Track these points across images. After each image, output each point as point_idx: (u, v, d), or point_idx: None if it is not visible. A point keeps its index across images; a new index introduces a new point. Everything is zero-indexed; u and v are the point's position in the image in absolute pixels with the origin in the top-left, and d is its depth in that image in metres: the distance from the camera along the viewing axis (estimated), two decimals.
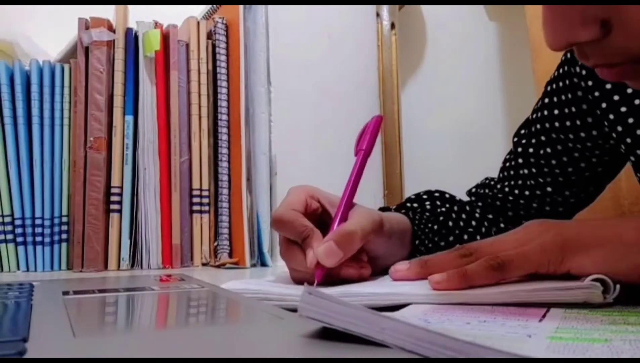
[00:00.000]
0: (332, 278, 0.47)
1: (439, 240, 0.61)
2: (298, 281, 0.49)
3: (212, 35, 0.97)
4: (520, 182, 0.64)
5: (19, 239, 0.86)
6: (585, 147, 0.58)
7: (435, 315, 0.33)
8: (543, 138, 0.61)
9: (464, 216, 0.64)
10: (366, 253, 0.51)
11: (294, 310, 0.27)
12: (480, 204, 0.67)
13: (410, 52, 1.49)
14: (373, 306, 0.36)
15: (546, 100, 0.61)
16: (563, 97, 0.59)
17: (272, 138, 0.96)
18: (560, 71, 0.59)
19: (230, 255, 0.92)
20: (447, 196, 0.67)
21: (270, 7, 0.97)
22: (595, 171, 0.60)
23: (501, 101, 1.55)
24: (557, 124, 0.59)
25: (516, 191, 0.64)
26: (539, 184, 0.62)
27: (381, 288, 0.41)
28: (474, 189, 0.69)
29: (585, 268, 0.38)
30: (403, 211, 0.63)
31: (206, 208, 0.93)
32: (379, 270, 0.52)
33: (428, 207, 0.64)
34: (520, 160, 0.64)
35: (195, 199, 0.92)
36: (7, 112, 0.86)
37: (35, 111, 0.88)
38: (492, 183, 0.68)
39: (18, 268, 0.86)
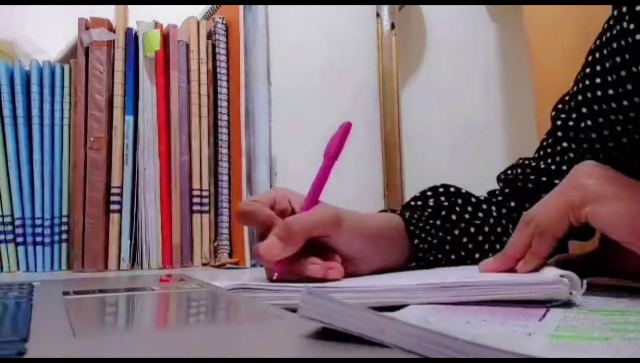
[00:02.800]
0: (296, 275, 0.47)
1: (444, 234, 0.59)
2: (269, 275, 0.49)
3: (212, 35, 0.97)
4: (558, 158, 0.61)
5: (19, 239, 0.86)
6: (627, 119, 0.55)
7: (435, 314, 0.33)
8: (584, 110, 0.58)
9: (469, 208, 0.62)
10: (340, 254, 0.50)
11: (294, 310, 0.27)
12: (506, 191, 0.64)
13: (410, 52, 1.48)
14: (373, 306, 0.36)
15: (587, 70, 0.58)
16: (607, 64, 0.55)
17: (272, 138, 0.95)
18: (603, 38, 0.56)
19: (230, 255, 0.92)
20: (451, 189, 0.64)
21: (270, 7, 0.97)
22: (637, 147, 0.56)
23: (501, 101, 1.55)
24: (599, 93, 0.56)
25: (553, 167, 0.61)
26: (578, 159, 0.57)
27: (371, 282, 0.41)
28: (507, 172, 0.66)
29: (596, 216, 0.40)
30: (405, 211, 0.62)
31: (206, 208, 0.93)
32: (365, 272, 0.52)
33: (431, 204, 0.62)
34: (559, 133, 0.61)
35: (195, 199, 0.92)
36: (7, 112, 0.86)
37: (35, 111, 0.88)
38: (527, 162, 0.64)
39: (18, 268, 0.86)
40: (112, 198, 0.87)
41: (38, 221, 0.87)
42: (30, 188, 0.87)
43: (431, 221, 0.60)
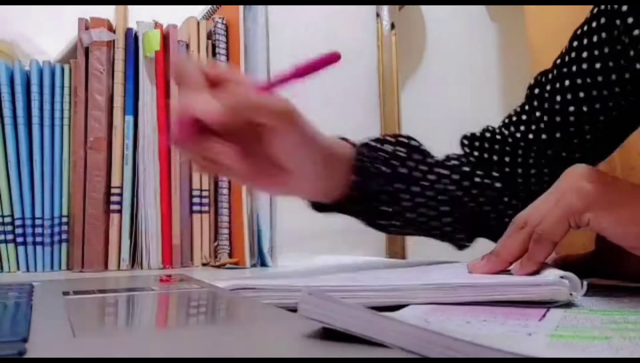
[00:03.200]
0: (193, 148, 0.42)
1: (385, 183, 0.56)
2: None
3: (212, 35, 0.97)
4: (524, 127, 0.60)
5: (19, 239, 0.86)
6: (611, 94, 0.54)
7: (435, 314, 0.33)
8: (567, 83, 0.57)
9: (423, 167, 0.59)
10: (275, 158, 0.45)
11: (294, 310, 0.27)
12: (471, 159, 0.62)
13: (410, 52, 1.49)
14: (373, 306, 0.37)
15: (575, 43, 0.57)
16: (595, 38, 0.55)
17: None
18: (594, 11, 0.56)
19: (230, 255, 0.92)
20: (413, 143, 0.61)
21: (270, 7, 0.97)
22: (610, 127, 0.56)
23: (501, 101, 1.55)
24: (584, 66, 0.56)
25: (518, 135, 0.60)
26: (547, 130, 0.58)
27: (371, 282, 0.41)
28: (472, 137, 0.64)
29: (601, 223, 0.40)
30: (362, 148, 0.58)
31: (206, 208, 0.93)
32: (291, 193, 0.46)
33: (388, 150, 0.59)
34: (535, 103, 0.60)
35: (195, 200, 0.92)
36: (7, 112, 0.86)
37: (35, 111, 0.88)
38: (492, 129, 0.63)
39: (18, 269, 0.86)
40: (112, 198, 0.87)
41: (38, 221, 0.87)
42: (30, 188, 0.87)
43: (378, 166, 0.56)
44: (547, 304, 0.36)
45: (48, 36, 1.07)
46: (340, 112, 1.02)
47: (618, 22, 0.53)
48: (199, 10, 1.06)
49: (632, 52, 0.52)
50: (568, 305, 0.36)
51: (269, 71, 0.97)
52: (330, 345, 0.24)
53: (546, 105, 0.59)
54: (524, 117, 0.60)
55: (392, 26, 1.35)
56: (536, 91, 0.60)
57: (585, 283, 0.36)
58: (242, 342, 0.26)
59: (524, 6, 1.23)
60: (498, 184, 0.61)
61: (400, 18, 1.39)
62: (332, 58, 0.46)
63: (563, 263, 0.48)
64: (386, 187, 0.57)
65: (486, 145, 0.62)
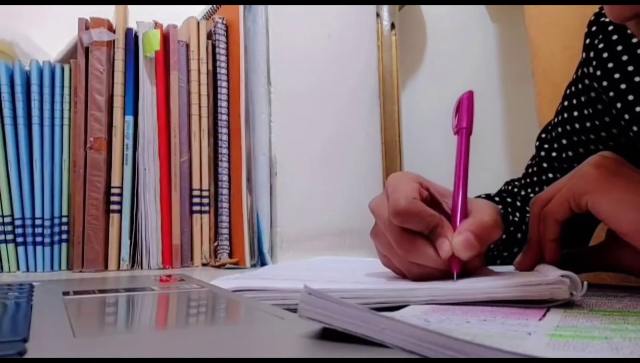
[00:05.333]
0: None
1: (503, 249, 0.60)
2: (419, 277, 0.44)
3: (212, 36, 0.97)
4: (545, 187, 0.63)
5: (19, 239, 0.86)
6: (606, 147, 0.58)
7: (435, 314, 0.33)
8: (564, 141, 0.61)
9: (524, 227, 0.63)
10: None
11: (294, 310, 0.27)
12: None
13: (410, 52, 1.49)
14: (373, 306, 0.36)
15: (566, 103, 0.61)
16: (582, 98, 0.59)
17: (272, 138, 0.95)
18: (579, 73, 0.59)
19: (230, 255, 0.92)
20: (518, 204, 0.65)
21: (270, 7, 0.97)
22: None
23: (501, 102, 1.55)
24: (577, 125, 0.59)
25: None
26: None
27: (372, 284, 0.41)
28: (500, 195, 0.67)
29: (598, 207, 0.40)
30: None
31: (206, 208, 0.93)
32: None
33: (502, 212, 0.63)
34: (544, 164, 0.64)
35: (195, 199, 0.92)
36: (7, 112, 0.86)
37: (35, 111, 0.88)
38: (516, 189, 0.66)
39: (18, 269, 0.86)
40: (112, 198, 0.87)
41: (38, 221, 0.87)
42: (30, 188, 0.87)
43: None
44: (547, 303, 0.36)
45: (48, 36, 1.07)
46: (340, 112, 1.02)
47: (596, 85, 0.56)
48: (199, 10, 1.06)
49: (614, 112, 0.55)
50: (568, 304, 0.36)
51: (269, 71, 0.97)
52: (330, 345, 0.24)
53: (556, 164, 0.62)
54: (540, 178, 0.64)
55: (392, 26, 1.35)
56: (542, 153, 0.64)
57: (585, 282, 0.36)
58: (242, 341, 0.26)
59: (524, 6, 1.23)
60: None
61: (400, 18, 1.39)
62: (471, 97, 0.49)
63: (572, 257, 0.48)
64: None
65: (510, 204, 0.65)
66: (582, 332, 0.27)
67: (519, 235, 0.62)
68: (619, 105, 0.53)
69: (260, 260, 0.92)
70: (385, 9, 1.33)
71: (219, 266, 0.89)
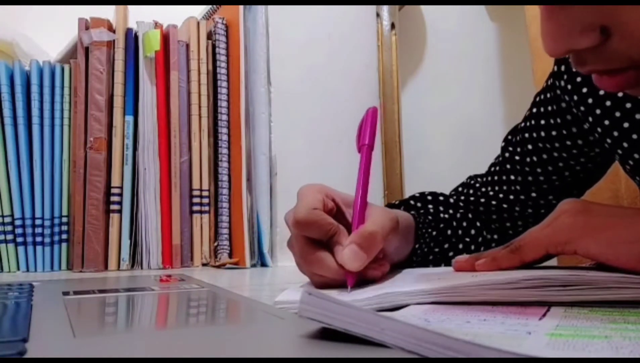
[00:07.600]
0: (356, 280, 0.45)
1: (434, 246, 0.61)
2: (321, 286, 0.45)
3: (212, 36, 0.97)
4: (505, 187, 0.66)
5: (19, 239, 0.86)
6: (570, 155, 0.60)
7: (435, 314, 0.33)
8: (530, 147, 0.63)
9: (464, 224, 0.64)
10: (383, 252, 0.49)
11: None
12: (462, 211, 0.67)
13: (410, 52, 1.49)
14: (373, 306, 0.36)
15: (534, 110, 0.63)
16: (550, 108, 0.61)
17: (272, 138, 0.96)
18: (549, 82, 0.61)
19: (230, 255, 0.92)
20: (451, 201, 0.67)
21: (270, 7, 0.97)
22: (577, 178, 0.62)
23: (501, 101, 1.55)
24: (543, 133, 0.61)
25: (501, 196, 0.66)
26: (523, 190, 0.64)
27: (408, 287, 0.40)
28: (459, 189, 0.70)
29: (589, 250, 0.40)
30: (411, 211, 0.63)
31: (206, 208, 0.93)
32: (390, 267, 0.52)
33: (431, 210, 0.64)
34: (507, 166, 0.66)
35: (195, 199, 0.92)
36: (7, 112, 0.86)
37: (35, 111, 0.88)
38: (478, 184, 0.68)
39: (18, 269, 0.86)
40: (112, 198, 0.87)
41: (38, 222, 0.87)
42: (30, 188, 0.87)
43: (429, 231, 0.61)
44: (547, 303, 0.36)
45: (48, 36, 1.07)
46: (340, 112, 1.02)
47: (567, 97, 0.57)
48: (199, 10, 1.06)
49: (586, 125, 0.57)
50: (568, 304, 0.36)
51: (269, 71, 0.97)
52: (330, 345, 0.24)
53: (518, 167, 0.65)
54: (502, 179, 0.66)
55: (392, 26, 1.35)
56: (507, 154, 0.66)
57: None
58: (242, 341, 0.26)
59: (524, 6, 1.23)
60: (495, 236, 0.67)
61: (400, 18, 1.39)
62: (375, 113, 0.52)
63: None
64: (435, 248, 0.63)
65: (481, 209, 0.67)
66: (582, 331, 0.27)
67: (449, 232, 0.63)
68: (598, 111, 0.54)
69: (260, 260, 0.92)
70: (385, 9, 1.33)
71: (219, 266, 0.89)
